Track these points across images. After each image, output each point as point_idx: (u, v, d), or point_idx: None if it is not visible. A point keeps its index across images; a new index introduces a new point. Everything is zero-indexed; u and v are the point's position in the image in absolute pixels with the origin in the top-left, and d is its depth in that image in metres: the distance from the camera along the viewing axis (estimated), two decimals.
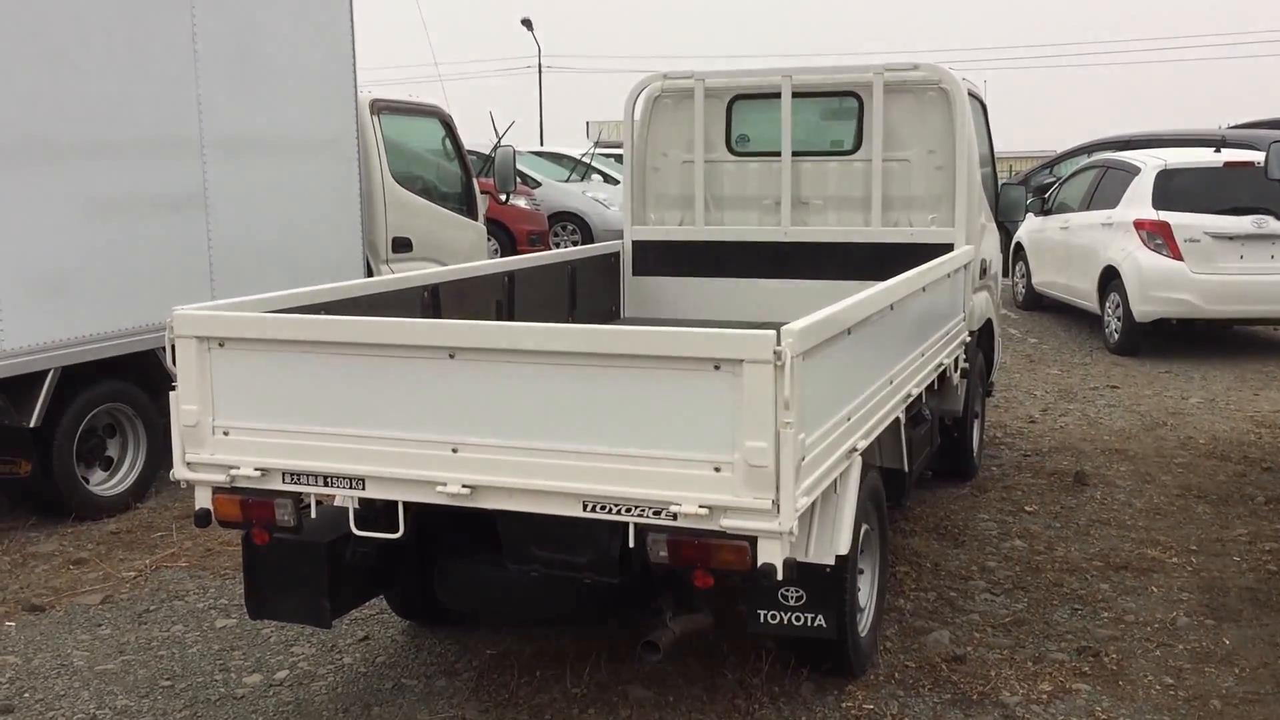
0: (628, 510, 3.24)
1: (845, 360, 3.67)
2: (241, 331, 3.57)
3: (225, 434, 3.60)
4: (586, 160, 19.34)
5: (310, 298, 4.17)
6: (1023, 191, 7.38)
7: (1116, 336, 10.83)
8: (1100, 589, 5.09)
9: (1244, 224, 10.18)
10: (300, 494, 3.60)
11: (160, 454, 6.51)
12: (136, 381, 6.39)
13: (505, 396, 3.32)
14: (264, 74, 7.08)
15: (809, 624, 3.73)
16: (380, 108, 8.48)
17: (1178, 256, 10.26)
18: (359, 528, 3.59)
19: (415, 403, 3.41)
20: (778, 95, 6.45)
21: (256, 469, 3.57)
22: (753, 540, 3.15)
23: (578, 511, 3.29)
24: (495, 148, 11.16)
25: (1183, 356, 10.58)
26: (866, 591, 4.21)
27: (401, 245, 8.57)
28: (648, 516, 3.22)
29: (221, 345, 3.57)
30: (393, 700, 4.11)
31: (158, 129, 6.39)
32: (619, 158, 22.40)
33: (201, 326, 3.58)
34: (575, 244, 17.89)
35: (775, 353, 3.03)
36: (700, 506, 3.14)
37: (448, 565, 3.91)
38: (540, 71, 43.24)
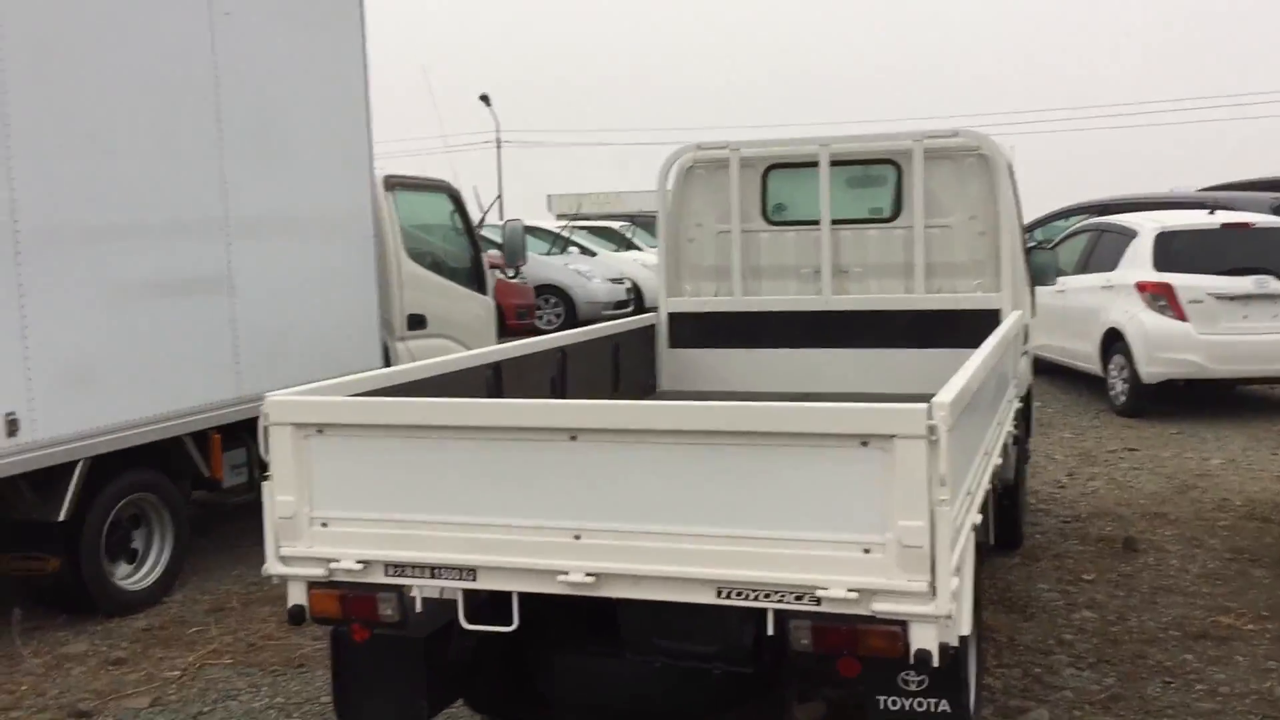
0: (767, 596, 3.07)
1: (969, 432, 3.56)
2: (343, 417, 3.39)
3: (324, 525, 3.40)
4: (565, 234, 19.35)
5: (390, 379, 4.02)
6: (1053, 256, 7.38)
7: (1123, 398, 10.84)
8: (1185, 660, 4.97)
9: (1246, 284, 10.27)
10: (403, 587, 3.40)
11: (186, 544, 6.26)
12: (162, 469, 6.14)
13: (632, 479, 3.16)
14: (286, 153, 6.94)
15: (932, 710, 3.53)
16: (394, 184, 8.36)
17: (1182, 317, 10.32)
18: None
19: (533, 488, 3.24)
20: (813, 164, 6.42)
21: (358, 561, 3.37)
22: (904, 624, 3.00)
23: (712, 598, 3.12)
24: (506, 222, 11.12)
25: (1189, 417, 10.58)
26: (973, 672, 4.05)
27: (416, 322, 8.41)
28: (789, 602, 3.06)
29: (320, 432, 3.39)
30: None
31: (183, 210, 6.20)
32: (592, 229, 22.58)
33: (299, 413, 3.40)
34: (558, 317, 17.80)
35: (929, 427, 2.91)
36: (849, 590, 2.99)
37: (557, 659, 3.68)
38: (499, 145, 43.53)
